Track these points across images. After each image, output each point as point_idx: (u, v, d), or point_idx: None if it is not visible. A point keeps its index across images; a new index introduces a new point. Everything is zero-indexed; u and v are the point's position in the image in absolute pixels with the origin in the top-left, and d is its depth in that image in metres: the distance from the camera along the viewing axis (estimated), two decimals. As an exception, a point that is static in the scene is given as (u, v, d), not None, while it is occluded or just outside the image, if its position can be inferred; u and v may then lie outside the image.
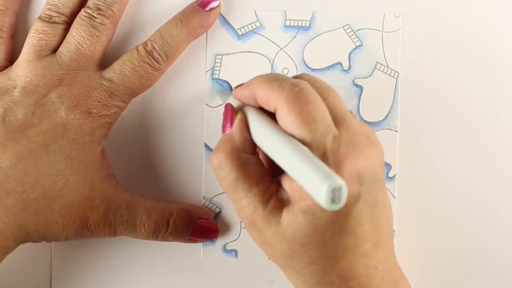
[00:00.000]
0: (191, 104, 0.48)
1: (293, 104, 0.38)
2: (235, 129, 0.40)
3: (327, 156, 0.37)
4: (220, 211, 0.48)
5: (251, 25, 0.47)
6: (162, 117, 0.48)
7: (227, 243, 0.48)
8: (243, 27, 0.48)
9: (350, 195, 0.37)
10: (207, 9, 0.46)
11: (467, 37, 0.47)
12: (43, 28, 0.45)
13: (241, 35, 0.48)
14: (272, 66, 0.48)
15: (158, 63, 0.45)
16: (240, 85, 0.42)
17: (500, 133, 0.48)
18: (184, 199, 0.48)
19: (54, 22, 0.45)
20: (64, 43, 0.45)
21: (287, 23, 0.47)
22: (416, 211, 0.47)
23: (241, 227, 0.48)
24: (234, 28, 0.48)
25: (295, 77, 0.40)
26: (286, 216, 0.38)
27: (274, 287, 0.48)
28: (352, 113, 0.42)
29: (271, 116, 0.40)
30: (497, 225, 0.47)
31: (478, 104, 0.47)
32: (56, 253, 0.48)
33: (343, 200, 0.33)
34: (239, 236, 0.48)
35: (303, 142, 0.37)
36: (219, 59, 0.48)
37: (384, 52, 0.47)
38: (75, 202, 0.43)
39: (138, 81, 0.45)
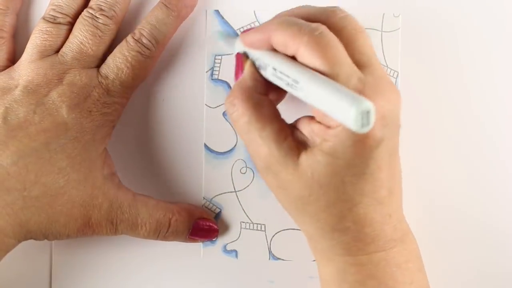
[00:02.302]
0: (191, 104, 0.48)
1: (314, 48, 0.37)
2: (246, 72, 0.41)
3: None
4: (220, 211, 0.48)
5: (251, 25, 0.48)
6: (162, 117, 0.48)
7: (227, 243, 0.48)
8: (242, 27, 0.48)
9: (374, 138, 0.37)
10: None
11: (466, 36, 0.47)
12: (47, 29, 0.45)
13: (240, 35, 0.48)
14: (271, 66, 0.48)
15: (148, 49, 0.45)
16: (248, 29, 0.42)
17: (500, 132, 0.48)
18: (184, 199, 0.48)
19: (59, 23, 0.45)
20: (67, 43, 0.45)
21: (287, 23, 0.48)
22: (415, 210, 0.47)
23: (241, 227, 0.48)
24: (233, 28, 0.48)
25: (327, 9, 0.40)
26: (305, 157, 0.39)
27: (274, 287, 0.48)
28: None
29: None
30: (498, 223, 0.47)
31: (478, 103, 0.47)
32: (56, 252, 0.48)
33: (372, 122, 0.34)
34: (239, 236, 0.48)
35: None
36: (219, 59, 0.48)
37: (383, 51, 0.47)
38: (77, 200, 0.43)
39: (131, 72, 0.44)
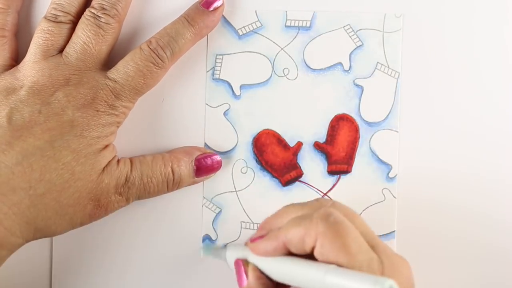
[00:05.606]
0: (191, 103, 0.48)
1: (333, 237, 0.37)
2: (252, 279, 0.41)
3: None
4: (220, 211, 0.48)
5: (252, 25, 0.48)
6: (162, 116, 0.48)
7: (227, 243, 0.48)
8: (243, 27, 0.48)
9: None
10: (211, 9, 0.46)
11: (467, 37, 0.47)
12: (49, 28, 0.45)
13: (241, 35, 0.48)
14: (272, 66, 0.48)
15: (162, 61, 0.45)
16: (254, 239, 0.41)
17: (500, 133, 0.48)
18: (184, 199, 0.48)
19: (60, 22, 0.45)
20: (70, 43, 0.45)
21: (288, 23, 0.48)
22: (416, 211, 0.47)
23: (241, 227, 0.48)
24: (234, 28, 0.48)
25: (316, 201, 0.41)
26: None
27: (274, 287, 0.48)
28: None
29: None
30: (498, 224, 0.48)
31: (478, 104, 0.47)
32: (56, 252, 0.48)
33: None
34: (239, 236, 0.48)
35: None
36: (220, 59, 0.48)
37: (384, 52, 0.47)
38: (83, 190, 0.43)
39: (142, 81, 0.45)
